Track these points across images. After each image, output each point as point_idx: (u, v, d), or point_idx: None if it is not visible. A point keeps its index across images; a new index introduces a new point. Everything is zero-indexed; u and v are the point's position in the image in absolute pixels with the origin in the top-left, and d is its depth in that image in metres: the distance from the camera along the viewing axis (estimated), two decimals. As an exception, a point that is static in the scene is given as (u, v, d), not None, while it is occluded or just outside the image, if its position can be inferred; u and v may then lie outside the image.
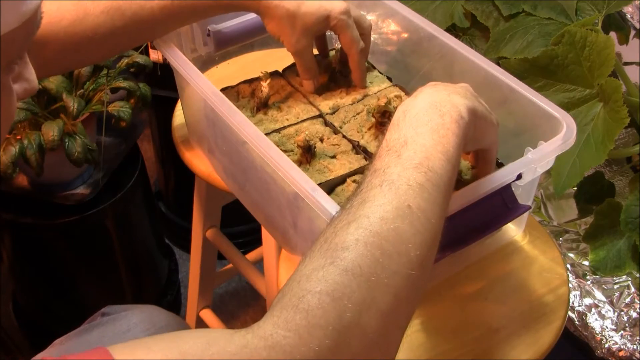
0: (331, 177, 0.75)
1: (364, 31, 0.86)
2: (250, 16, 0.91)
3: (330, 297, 0.47)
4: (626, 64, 1.12)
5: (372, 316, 0.48)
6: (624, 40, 1.13)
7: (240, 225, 1.54)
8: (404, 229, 0.51)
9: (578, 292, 1.10)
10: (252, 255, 1.23)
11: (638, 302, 1.08)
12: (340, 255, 0.49)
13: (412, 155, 0.55)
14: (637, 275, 1.08)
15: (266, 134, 0.78)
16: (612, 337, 1.06)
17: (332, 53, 0.93)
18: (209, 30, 0.89)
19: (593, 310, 1.09)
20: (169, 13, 0.78)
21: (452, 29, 1.09)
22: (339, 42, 1.02)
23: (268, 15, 0.80)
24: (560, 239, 1.16)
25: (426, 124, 0.58)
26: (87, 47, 0.78)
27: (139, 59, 1.07)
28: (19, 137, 0.98)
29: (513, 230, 0.82)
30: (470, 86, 0.67)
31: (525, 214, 0.78)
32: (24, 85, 0.51)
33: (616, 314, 1.08)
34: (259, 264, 1.11)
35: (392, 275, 0.49)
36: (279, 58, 0.95)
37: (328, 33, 0.90)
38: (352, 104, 0.86)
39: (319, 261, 0.49)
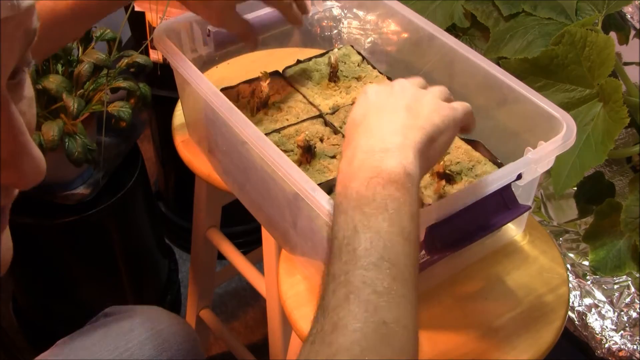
0: (331, 177, 0.75)
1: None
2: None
3: None
4: (626, 64, 1.12)
5: None
6: (624, 40, 1.13)
7: (240, 225, 1.53)
8: (387, 355, 0.46)
9: (578, 292, 1.10)
10: (252, 255, 1.23)
11: (638, 302, 1.08)
12: None
13: (368, 248, 0.49)
14: (637, 275, 1.08)
15: (266, 134, 0.78)
16: (612, 337, 1.06)
17: (330, 53, 0.93)
18: (209, 30, 0.89)
19: (593, 310, 1.09)
20: (80, 12, 0.75)
21: (452, 29, 1.09)
22: (339, 42, 1.02)
23: None
24: (560, 239, 1.16)
25: (372, 201, 0.52)
26: None
27: (139, 59, 1.07)
28: (19, 137, 0.98)
29: (513, 230, 0.82)
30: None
31: (525, 214, 0.78)
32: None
33: (616, 314, 1.08)
34: (259, 264, 1.10)
35: None
36: (279, 58, 0.95)
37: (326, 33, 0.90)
38: (352, 104, 0.86)
39: None
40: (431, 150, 0.57)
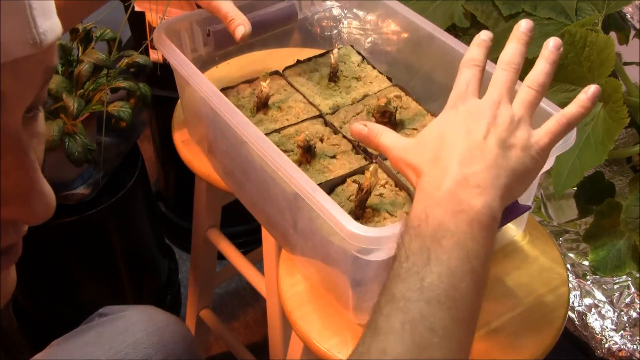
0: (331, 177, 0.75)
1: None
2: (250, 16, 0.91)
3: None
4: (626, 64, 1.12)
5: None
6: (624, 40, 1.13)
7: (240, 225, 1.54)
8: None
9: (578, 292, 1.10)
10: (252, 255, 1.23)
11: (638, 302, 1.08)
12: None
13: (436, 282, 0.49)
14: (637, 275, 1.08)
15: (266, 134, 0.78)
16: (612, 337, 1.06)
17: (330, 53, 0.93)
18: (209, 30, 0.89)
19: (593, 310, 1.09)
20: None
21: (452, 29, 1.09)
22: (339, 42, 1.02)
23: None
24: (560, 239, 1.16)
25: (452, 235, 0.51)
26: None
27: (139, 59, 1.07)
28: (19, 137, 0.98)
29: (513, 230, 0.82)
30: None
31: (525, 214, 0.78)
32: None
33: (616, 314, 1.08)
34: (259, 264, 1.10)
35: None
36: (279, 58, 0.95)
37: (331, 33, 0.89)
38: (352, 104, 0.86)
39: None
40: (515, 191, 0.56)
